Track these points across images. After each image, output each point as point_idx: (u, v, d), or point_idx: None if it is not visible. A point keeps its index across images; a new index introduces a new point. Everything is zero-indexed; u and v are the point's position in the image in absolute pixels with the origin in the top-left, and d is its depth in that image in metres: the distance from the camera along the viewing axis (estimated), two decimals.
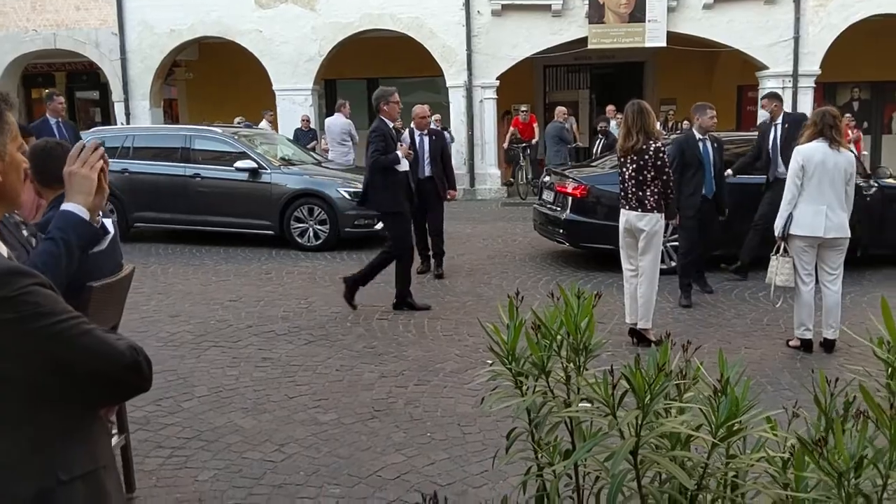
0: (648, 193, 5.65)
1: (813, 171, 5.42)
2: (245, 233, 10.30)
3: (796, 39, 15.33)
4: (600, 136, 14.09)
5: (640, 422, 1.89)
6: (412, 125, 8.43)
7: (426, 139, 8.21)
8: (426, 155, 8.16)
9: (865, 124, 16.49)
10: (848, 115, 16.01)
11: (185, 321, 6.64)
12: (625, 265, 5.97)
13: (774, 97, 8.11)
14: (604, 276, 8.00)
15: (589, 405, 2.09)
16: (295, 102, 16.24)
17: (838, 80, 17.19)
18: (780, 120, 7.88)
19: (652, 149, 5.62)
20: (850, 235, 5.58)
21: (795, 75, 15.45)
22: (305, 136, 14.69)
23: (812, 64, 15.47)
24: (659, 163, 5.63)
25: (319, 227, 9.95)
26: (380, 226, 9.85)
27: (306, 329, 6.34)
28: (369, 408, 4.64)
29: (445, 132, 15.61)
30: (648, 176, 5.64)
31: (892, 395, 1.92)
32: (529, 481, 2.28)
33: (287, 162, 10.87)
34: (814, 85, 15.67)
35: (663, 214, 5.76)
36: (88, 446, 1.47)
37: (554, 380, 2.17)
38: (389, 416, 4.52)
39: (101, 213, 2.20)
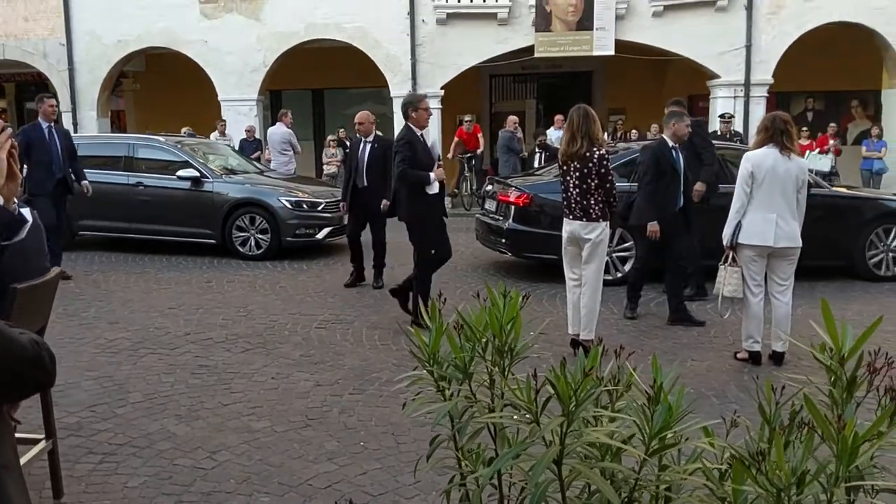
0: (593, 202, 5.49)
1: (763, 178, 5.25)
2: (187, 241, 10.14)
3: (748, 48, 15.09)
4: (538, 150, 13.83)
5: (564, 430, 1.79)
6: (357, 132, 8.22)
7: (368, 146, 7.95)
8: (363, 163, 7.89)
9: (820, 134, 16.55)
10: (833, 125, 15.93)
11: (124, 328, 6.56)
12: (568, 275, 5.81)
13: (673, 103, 8.04)
14: (547, 287, 7.92)
15: (514, 410, 1.98)
16: (240, 113, 16.10)
17: (792, 89, 16.99)
18: None
19: (596, 156, 5.45)
20: (801, 245, 5.37)
21: (748, 84, 15.24)
22: (250, 146, 14.59)
23: (765, 73, 15.21)
24: (602, 171, 5.47)
25: (261, 236, 9.81)
26: (321, 235, 9.74)
27: (244, 337, 6.26)
28: (303, 416, 4.57)
29: None
30: (592, 184, 5.47)
31: (836, 405, 1.81)
32: (453, 490, 2.17)
33: (230, 171, 10.76)
34: (766, 94, 15.47)
35: (608, 223, 5.63)
36: None
37: (477, 384, 2.08)
38: (323, 424, 4.45)
39: (16, 201, 2.13)
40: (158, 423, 4.45)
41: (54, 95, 8.98)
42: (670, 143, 6.70)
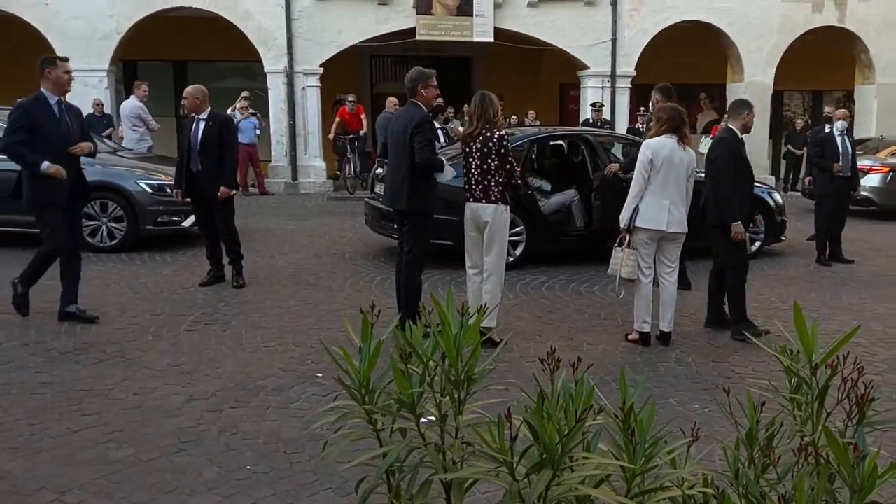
0: (493, 184, 5.53)
1: (660, 165, 5.48)
2: (23, 232, 8.77)
3: (614, 41, 16.17)
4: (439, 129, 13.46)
5: (549, 485, 1.49)
6: (185, 108, 7.50)
7: (201, 125, 7.19)
8: (197, 144, 7.14)
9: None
10: (727, 114, 16.82)
11: None
12: (468, 262, 5.80)
13: (660, 90, 7.60)
14: (442, 274, 7.71)
15: (468, 447, 1.68)
16: (87, 84, 14.72)
17: (650, 82, 18.01)
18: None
19: (496, 136, 5.50)
20: (687, 230, 5.69)
21: (613, 76, 16.30)
22: (99, 123, 13.55)
23: (628, 65, 16.34)
24: (503, 150, 5.50)
25: (115, 224, 8.86)
26: (188, 223, 8.92)
27: (97, 345, 5.49)
28: (175, 439, 3.99)
29: (254, 118, 14.72)
30: (492, 164, 5.51)
31: (800, 410, 1.73)
32: None
33: None
34: (630, 86, 16.59)
35: (508, 207, 5.65)
36: None
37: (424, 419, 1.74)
38: (200, 447, 3.90)
39: None
40: None
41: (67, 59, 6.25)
42: (740, 135, 6.18)
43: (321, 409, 1.86)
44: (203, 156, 7.13)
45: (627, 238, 5.65)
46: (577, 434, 1.51)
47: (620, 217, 5.68)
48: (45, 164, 5.69)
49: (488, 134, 5.50)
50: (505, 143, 5.51)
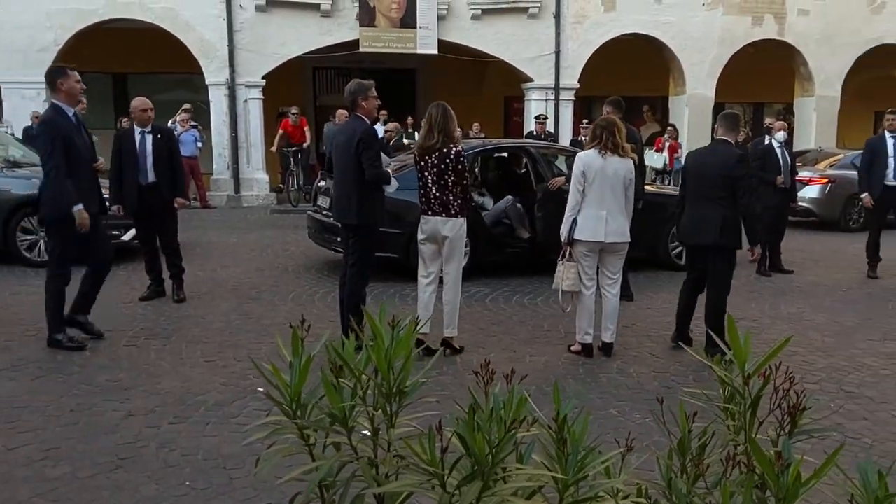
0: (452, 198, 5.56)
1: (594, 177, 5.54)
2: None
3: (557, 54, 16.32)
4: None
5: (480, 497, 1.50)
6: (132, 122, 7.38)
7: (149, 138, 7.16)
8: (149, 157, 7.10)
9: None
10: (670, 127, 17.09)
11: None
12: (420, 272, 5.78)
13: (610, 102, 7.55)
14: (386, 287, 7.67)
15: (402, 460, 1.68)
16: (25, 97, 14.46)
17: (593, 94, 18.24)
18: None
19: (453, 152, 5.51)
20: (629, 240, 5.71)
21: (557, 88, 16.45)
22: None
23: (571, 78, 16.52)
24: (460, 167, 5.54)
25: None
26: (128, 236, 8.72)
27: (34, 361, 5.35)
28: (112, 455, 3.89)
29: (195, 130, 14.53)
30: (450, 180, 5.53)
31: (734, 420, 1.75)
32: None
33: (13, 164, 9.43)
34: (574, 98, 16.78)
35: (465, 220, 5.69)
36: None
37: (356, 433, 1.72)
38: (138, 464, 3.81)
39: None
40: None
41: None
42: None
43: (257, 424, 1.85)
44: (156, 168, 7.06)
45: (568, 251, 5.70)
46: (508, 445, 1.51)
47: (560, 231, 5.72)
48: (80, 207, 5.47)
49: (445, 150, 5.48)
50: (462, 159, 5.53)
